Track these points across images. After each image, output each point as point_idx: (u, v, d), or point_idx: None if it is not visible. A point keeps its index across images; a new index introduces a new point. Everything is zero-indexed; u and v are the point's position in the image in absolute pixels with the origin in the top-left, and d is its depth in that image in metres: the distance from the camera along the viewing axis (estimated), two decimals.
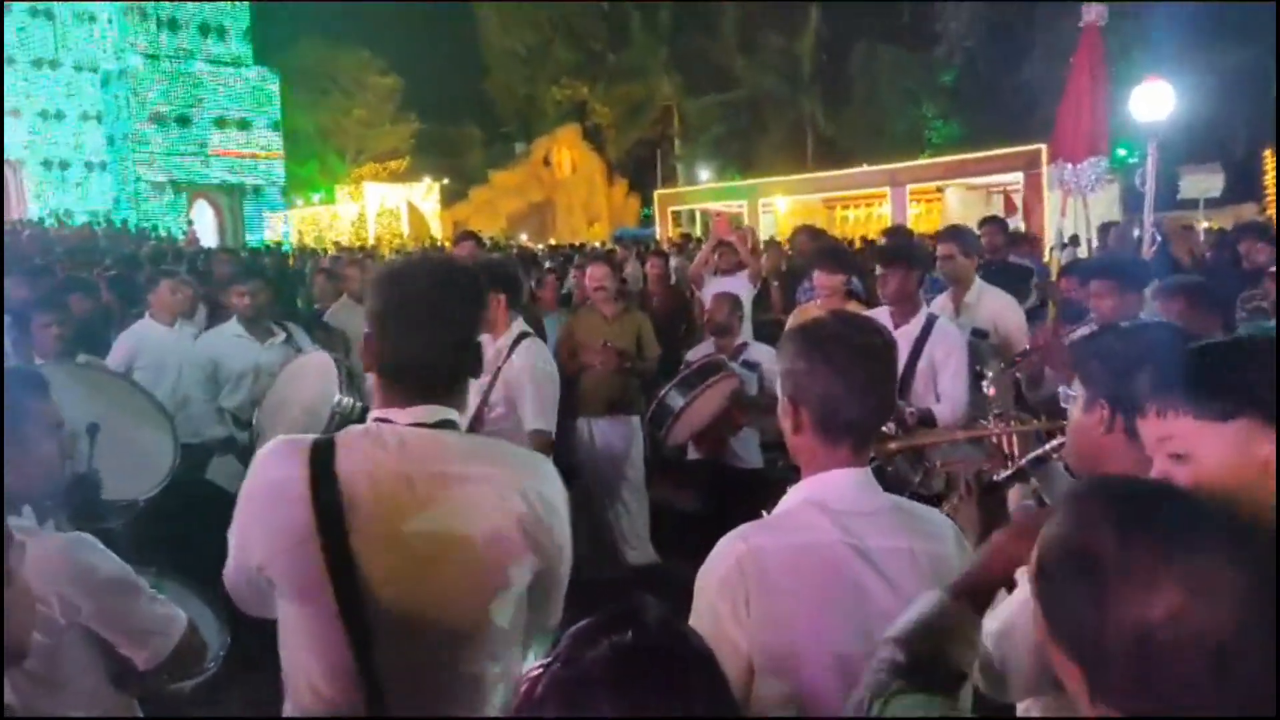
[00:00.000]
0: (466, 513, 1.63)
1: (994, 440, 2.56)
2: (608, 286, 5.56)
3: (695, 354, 5.45)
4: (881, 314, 4.23)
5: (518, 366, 3.91)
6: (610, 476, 5.39)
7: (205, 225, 28.92)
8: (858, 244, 9.87)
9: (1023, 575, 1.57)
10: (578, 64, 41.29)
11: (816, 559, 1.59)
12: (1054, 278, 5.85)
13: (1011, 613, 1.52)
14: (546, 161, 39.19)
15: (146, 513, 3.42)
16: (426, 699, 1.65)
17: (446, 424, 1.69)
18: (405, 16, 38.64)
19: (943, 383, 4.06)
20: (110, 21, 29.12)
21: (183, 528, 4.04)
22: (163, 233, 24.38)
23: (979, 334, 4.55)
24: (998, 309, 4.74)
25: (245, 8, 30.75)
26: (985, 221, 6.85)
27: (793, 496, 1.70)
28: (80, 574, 1.86)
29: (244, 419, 4.85)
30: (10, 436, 1.91)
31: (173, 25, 29.27)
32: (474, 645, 1.68)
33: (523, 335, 4.01)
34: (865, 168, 24.43)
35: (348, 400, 3.70)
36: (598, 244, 21.85)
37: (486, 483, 1.66)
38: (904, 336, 4.06)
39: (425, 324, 1.67)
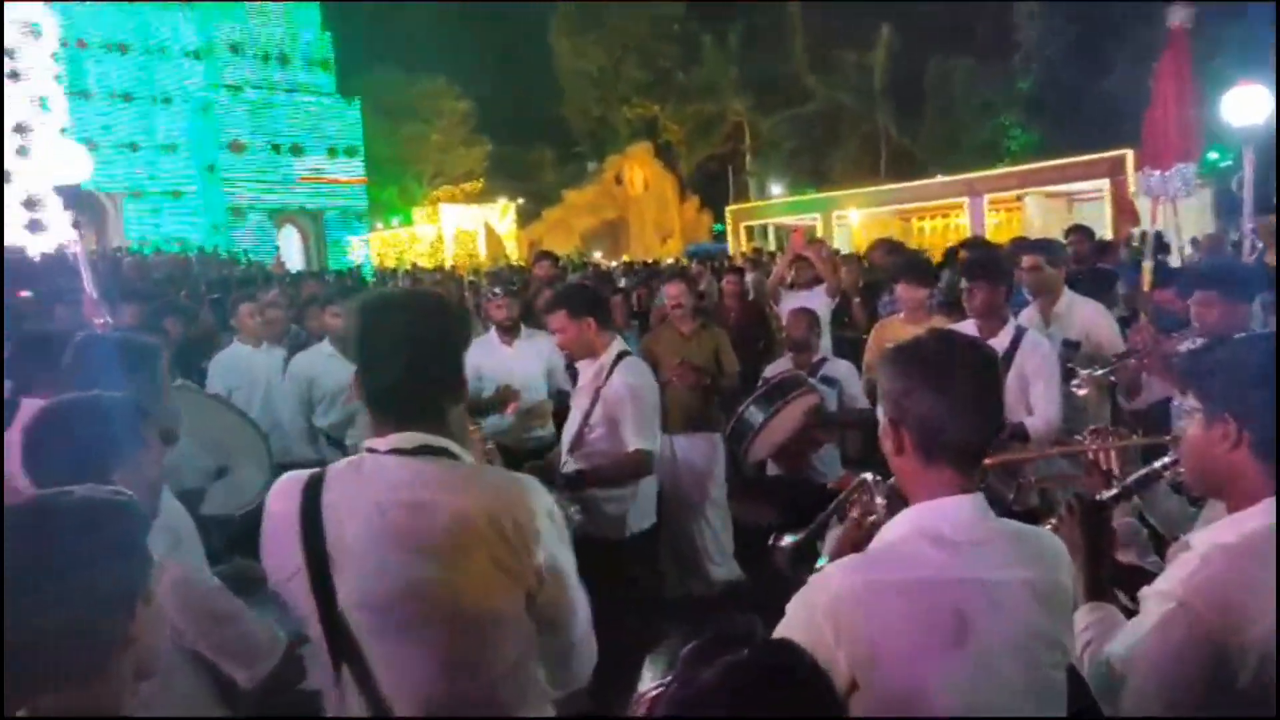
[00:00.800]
0: (436, 542, 1.64)
1: (1089, 455, 2.48)
2: (685, 304, 5.57)
3: (773, 370, 5.43)
4: (967, 327, 4.16)
5: (616, 385, 3.83)
6: (693, 493, 5.38)
7: (291, 250, 29.92)
8: (937, 256, 9.69)
9: (1146, 594, 1.53)
10: (649, 83, 41.65)
11: (927, 595, 1.51)
12: (1145, 287, 5.68)
13: (1139, 638, 1.47)
14: (619, 179, 39.54)
15: (248, 528, 3.55)
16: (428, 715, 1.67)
17: (425, 450, 1.71)
18: (479, 42, 39.56)
19: (1034, 396, 3.96)
20: (196, 56, 30.45)
21: None
22: (252, 258, 25.25)
23: (1070, 345, 4.43)
24: (1089, 318, 4.61)
25: (326, 38, 31.78)
26: (1071, 230, 6.69)
27: (898, 526, 1.63)
28: (187, 599, 1.93)
29: (338, 438, 4.95)
30: (118, 451, 2.00)
31: (256, 57, 30.39)
32: (471, 674, 1.68)
33: (622, 354, 3.96)
34: (941, 178, 24.07)
35: None
36: (671, 260, 21.90)
37: (452, 510, 1.66)
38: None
39: (396, 354, 1.72)
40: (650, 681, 1.03)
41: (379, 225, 36.64)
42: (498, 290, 5.50)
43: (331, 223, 31.49)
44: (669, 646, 1.08)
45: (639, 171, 39.65)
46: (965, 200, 21.69)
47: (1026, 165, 23.04)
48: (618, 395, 3.80)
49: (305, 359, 5.28)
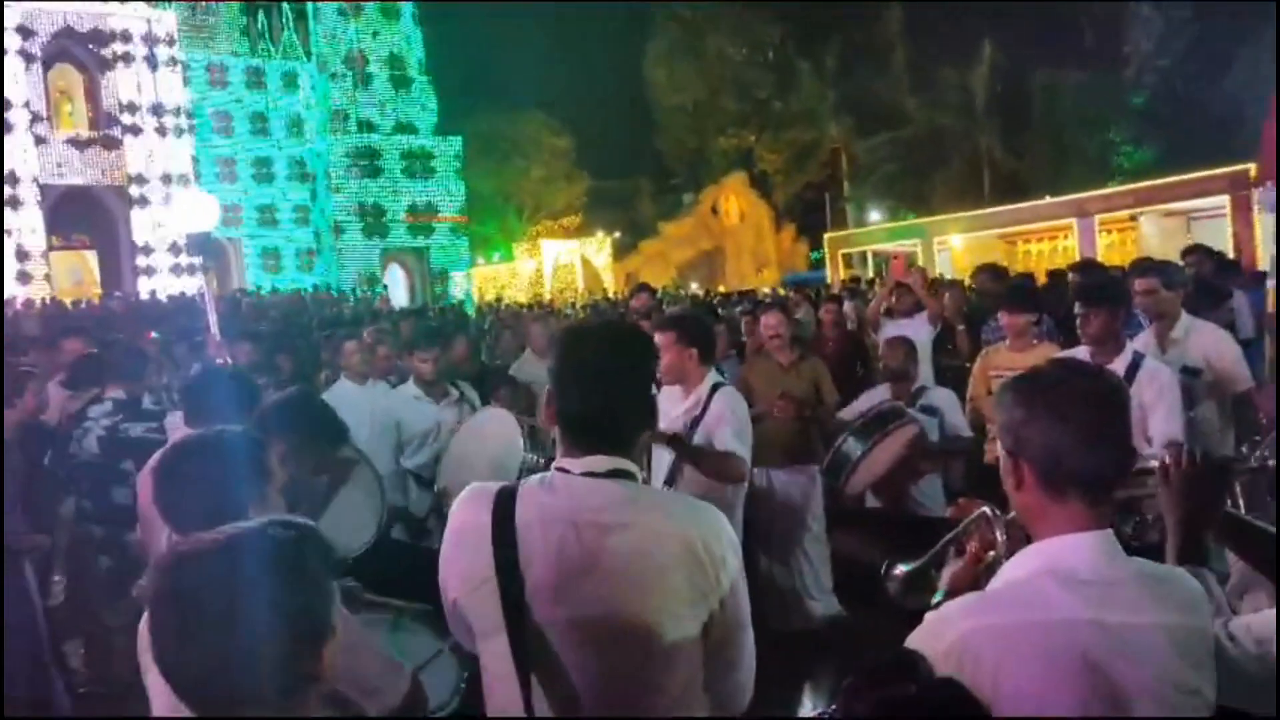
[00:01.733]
0: (628, 561, 1.67)
1: None
2: (783, 334, 5.52)
3: (869, 400, 5.32)
4: (1080, 355, 4.00)
5: (715, 413, 3.90)
6: (791, 527, 5.30)
7: (397, 286, 30.96)
8: (1042, 278, 9.33)
9: None
10: (744, 113, 41.74)
11: (1055, 639, 1.44)
12: (1270, 308, 5.36)
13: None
14: (715, 210, 39.66)
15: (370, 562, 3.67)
16: None
17: (618, 473, 1.75)
18: (577, 79, 40.41)
19: (1154, 425, 3.77)
20: (310, 108, 32.14)
21: (395, 580, 4.34)
22: (360, 296, 26.24)
23: (1190, 372, 4.21)
24: (1210, 344, 4.38)
25: (430, 81, 32.94)
26: (1189, 250, 6.38)
27: (1022, 564, 1.56)
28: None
29: (426, 478, 4.97)
30: (253, 487, 2.08)
31: (365, 107, 31.77)
32: (645, 693, 1.69)
33: (717, 385, 4.03)
34: (1049, 199, 23.29)
35: (532, 456, 3.79)
36: (767, 290, 21.78)
37: (648, 531, 1.69)
38: None
39: (597, 381, 1.78)
40: (810, 710, 1.00)
41: (480, 261, 37.59)
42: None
43: (435, 260, 32.47)
44: (824, 675, 1.06)
45: (734, 202, 39.69)
46: (1074, 221, 20.92)
47: (1139, 183, 22.08)
48: (718, 416, 3.85)
49: (389, 402, 5.28)
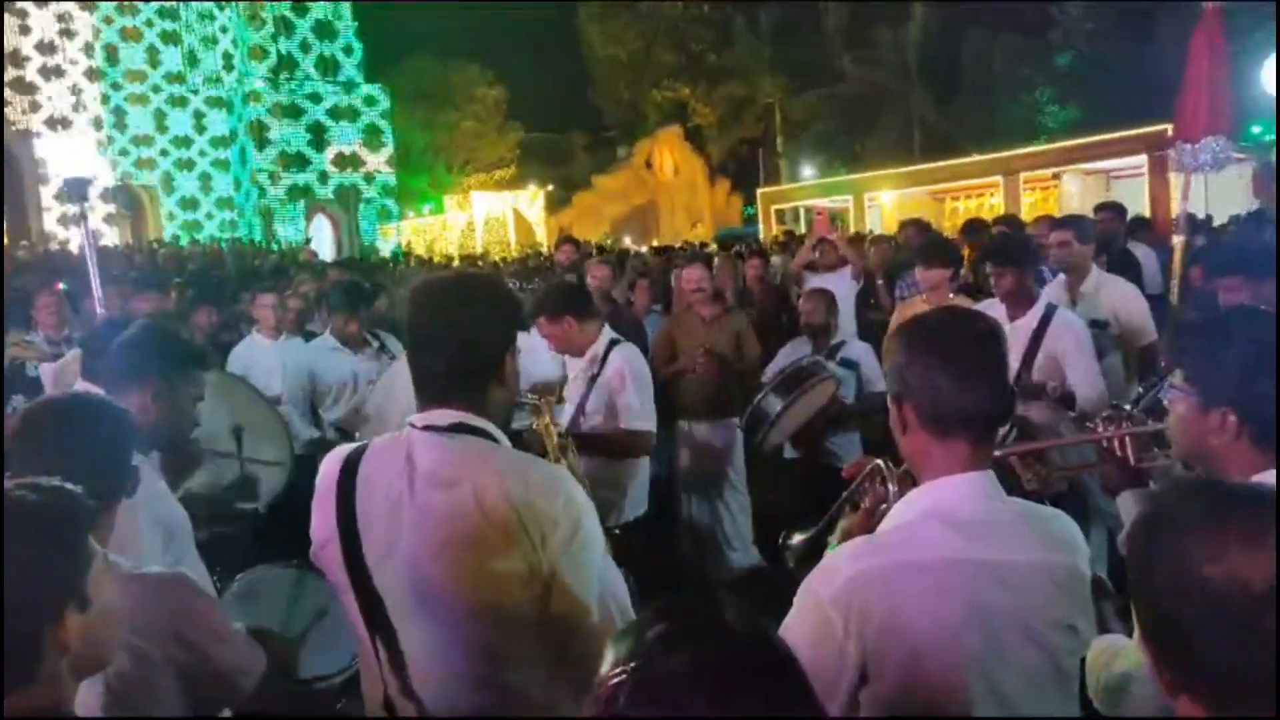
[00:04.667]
0: (454, 519, 1.65)
1: (1104, 443, 2.38)
2: (705, 288, 5.50)
3: (790, 354, 5.34)
4: (993, 306, 4.07)
5: (611, 371, 3.90)
6: (711, 479, 5.33)
7: (323, 238, 30.18)
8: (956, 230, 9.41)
9: None
10: (679, 66, 41.38)
11: (940, 578, 1.47)
12: (1175, 266, 5.52)
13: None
14: (649, 164, 39.37)
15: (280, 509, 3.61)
16: (455, 702, 1.67)
17: (460, 427, 1.72)
18: (511, 29, 39.53)
19: (1075, 376, 3.86)
20: (231, 55, 30.85)
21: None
22: (284, 248, 25.52)
23: (1098, 325, 4.31)
24: (1119, 298, 4.49)
25: (355, 26, 31.86)
26: (1101, 207, 6.52)
27: (908, 507, 1.58)
28: (177, 615, 1.86)
29: (348, 431, 4.89)
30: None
31: (289, 46, 30.61)
32: (484, 660, 1.66)
33: (613, 342, 4.00)
34: (976, 157, 23.63)
35: None
36: (699, 244, 21.78)
37: (475, 488, 1.65)
38: (1021, 330, 3.93)
39: (440, 333, 1.76)
40: (613, 666, 0.95)
41: (410, 214, 36.86)
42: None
43: (363, 211, 31.71)
44: (636, 626, 1.01)
45: (669, 156, 39.44)
46: (1000, 179, 21.27)
47: (1062, 143, 22.50)
48: (616, 377, 3.84)
49: (305, 355, 5.21)
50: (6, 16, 25.11)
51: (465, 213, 34.73)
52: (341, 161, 31.20)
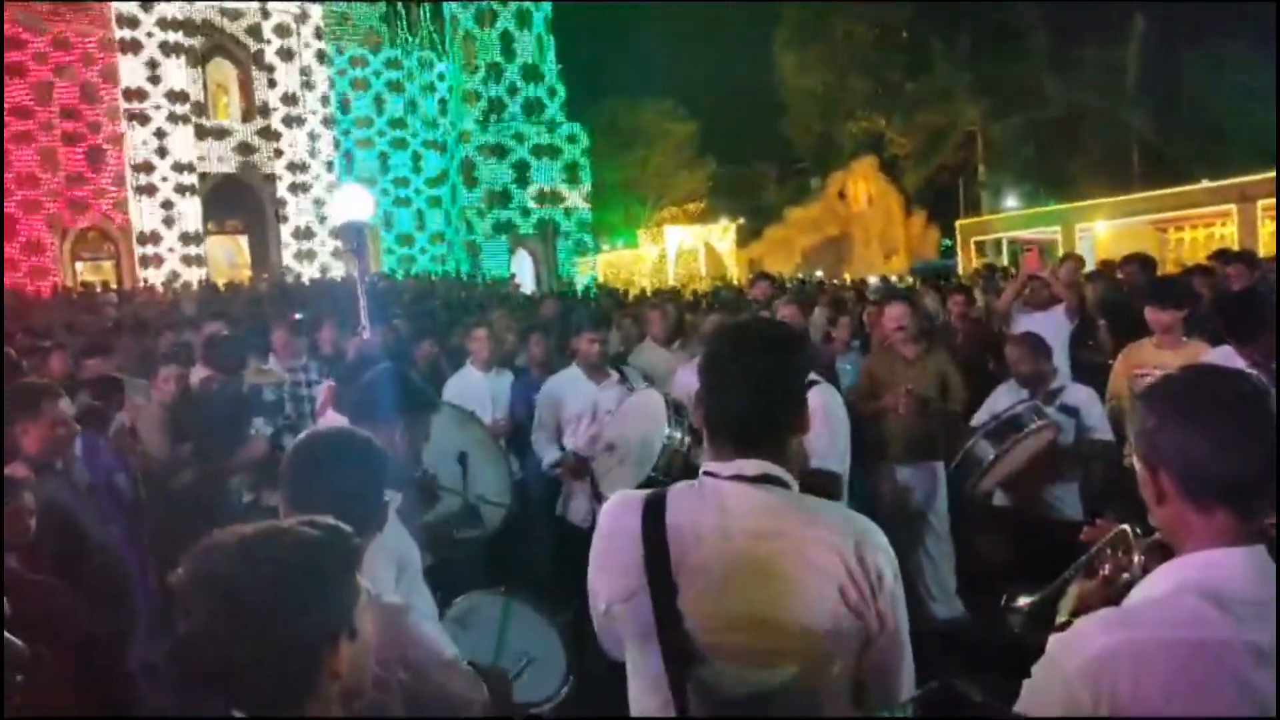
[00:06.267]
0: (782, 570, 1.62)
1: None
2: (907, 326, 5.36)
3: (1005, 397, 5.10)
4: (1227, 355, 3.75)
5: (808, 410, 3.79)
6: (913, 525, 5.17)
7: (524, 272, 31.65)
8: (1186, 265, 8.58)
9: None
10: (874, 96, 40.65)
11: (1203, 660, 1.35)
12: None
13: None
14: (842, 195, 38.85)
15: (504, 539, 3.81)
16: None
17: (766, 479, 1.69)
18: (702, 64, 40.25)
19: None
20: (446, 101, 33.19)
21: (537, 559, 4.49)
22: (489, 280, 26.93)
23: None
24: None
25: (557, 67, 33.41)
26: None
27: (1162, 579, 1.46)
28: (408, 643, 1.98)
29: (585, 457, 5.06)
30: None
31: (499, 99, 32.51)
32: (796, 705, 1.64)
33: (811, 383, 3.88)
34: (1206, 184, 21.80)
35: (677, 435, 3.74)
36: (894, 278, 21.21)
37: (802, 540, 1.63)
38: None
39: (743, 381, 1.72)
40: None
41: (605, 247, 37.98)
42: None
43: (560, 245, 33.01)
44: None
45: (863, 187, 38.78)
46: (1233, 207, 19.53)
47: None
48: (810, 417, 3.69)
49: (555, 383, 5.24)
50: (254, 71, 28.03)
51: (658, 246, 35.43)
52: (542, 198, 32.64)
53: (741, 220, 38.28)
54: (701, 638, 1.65)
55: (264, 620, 1.27)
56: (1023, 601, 2.03)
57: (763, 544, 1.64)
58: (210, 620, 1.27)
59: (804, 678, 1.63)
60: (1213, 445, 1.39)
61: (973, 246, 26.24)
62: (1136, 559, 1.72)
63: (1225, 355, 3.86)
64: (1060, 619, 1.80)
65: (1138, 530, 1.77)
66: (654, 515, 1.71)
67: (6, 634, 1.84)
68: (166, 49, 26.38)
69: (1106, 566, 1.81)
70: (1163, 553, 1.57)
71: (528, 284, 29.59)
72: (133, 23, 26.07)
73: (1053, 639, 1.53)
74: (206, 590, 1.29)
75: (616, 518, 1.78)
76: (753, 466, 1.69)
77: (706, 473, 1.74)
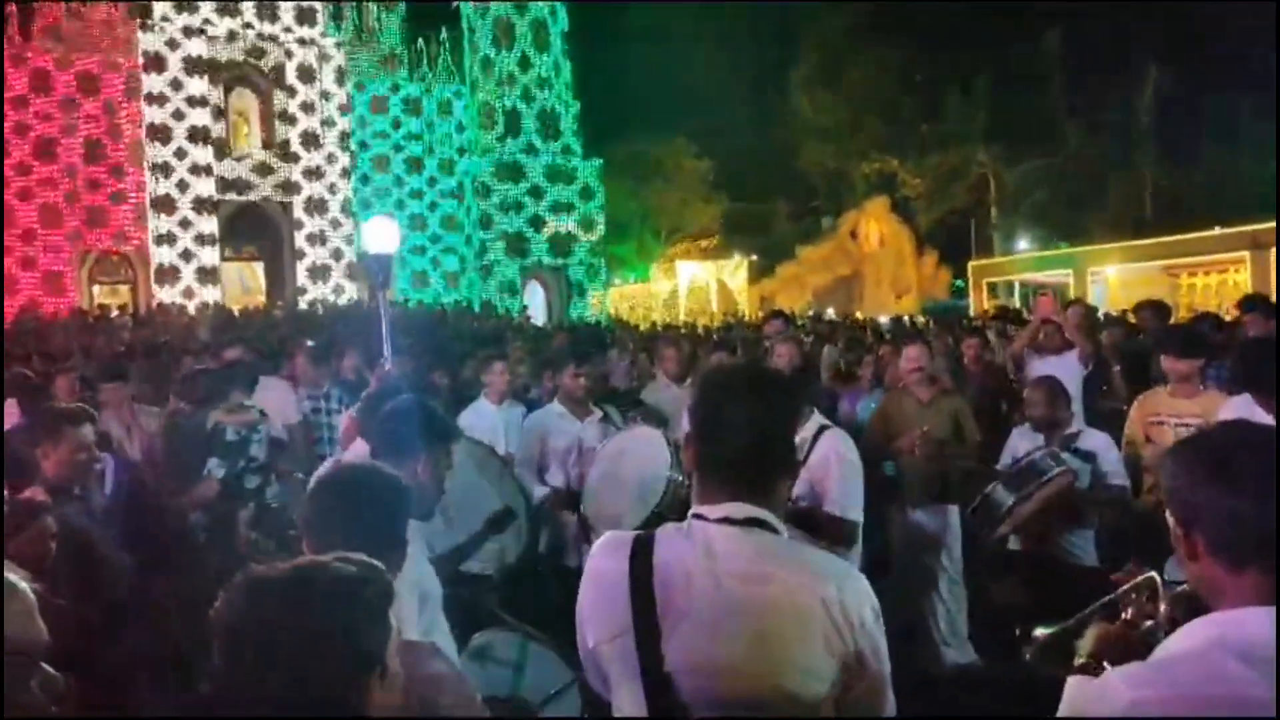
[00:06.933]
0: (766, 615, 1.64)
1: None
2: (924, 367, 5.36)
3: (1020, 439, 5.09)
4: (1246, 404, 3.74)
5: (820, 456, 3.77)
6: (927, 569, 5.14)
7: (536, 303, 31.74)
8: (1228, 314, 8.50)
9: None
10: (887, 136, 40.91)
11: (1236, 717, 1.33)
12: None
13: None
14: (854, 235, 39.00)
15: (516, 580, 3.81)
16: None
17: (754, 522, 1.71)
18: (717, 101, 40.60)
19: None
20: (460, 129, 33.52)
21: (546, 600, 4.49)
22: (500, 311, 26.99)
23: None
24: None
25: (575, 106, 33.73)
26: None
27: (1192, 635, 1.45)
28: (431, 682, 1.95)
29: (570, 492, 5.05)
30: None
31: (514, 127, 32.82)
32: None
33: (823, 428, 3.91)
34: (1219, 230, 21.83)
35: (679, 477, 3.73)
36: (906, 318, 21.23)
37: (787, 586, 1.65)
38: None
39: (732, 425, 1.74)
40: None
41: (617, 280, 38.10)
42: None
43: (572, 278, 33.11)
44: None
45: (875, 226, 38.92)
46: (1247, 254, 19.53)
47: None
48: (824, 464, 3.72)
49: (539, 418, 5.33)
50: (275, 99, 28.40)
51: (670, 281, 35.56)
52: (556, 239, 32.82)
53: (754, 257, 38.44)
54: (685, 681, 1.67)
55: (305, 658, 1.27)
56: (1040, 633, 2.04)
57: (748, 588, 1.66)
58: (253, 656, 1.27)
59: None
60: (1248, 506, 1.39)
61: (985, 288, 26.26)
62: (1162, 608, 1.72)
63: (1243, 404, 3.84)
64: (1079, 659, 1.79)
65: (1167, 580, 1.77)
66: (642, 557, 1.73)
67: (43, 664, 1.85)
68: (190, 67, 26.77)
69: (1129, 610, 1.81)
70: (1189, 604, 1.57)
71: (540, 317, 29.69)
72: (160, 63, 26.49)
73: (1072, 682, 1.53)
74: (249, 627, 1.29)
75: (605, 560, 1.80)
76: (740, 510, 1.71)
77: (695, 515, 1.76)
